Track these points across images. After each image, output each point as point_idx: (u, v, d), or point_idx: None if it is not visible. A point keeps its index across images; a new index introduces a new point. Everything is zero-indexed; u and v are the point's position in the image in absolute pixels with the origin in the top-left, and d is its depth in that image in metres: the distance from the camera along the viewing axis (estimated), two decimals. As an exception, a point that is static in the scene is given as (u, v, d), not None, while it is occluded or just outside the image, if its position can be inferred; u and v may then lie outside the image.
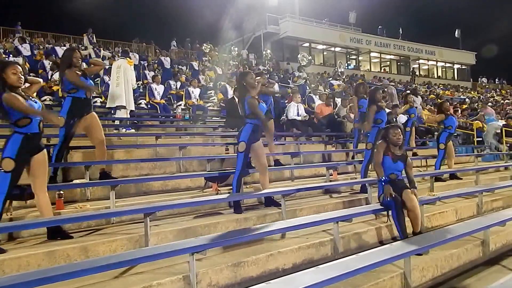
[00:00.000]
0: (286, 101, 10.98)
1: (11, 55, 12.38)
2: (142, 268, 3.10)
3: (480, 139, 12.20)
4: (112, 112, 8.80)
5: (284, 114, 9.72)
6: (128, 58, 9.61)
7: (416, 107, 12.17)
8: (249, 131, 4.79)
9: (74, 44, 18.25)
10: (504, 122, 13.44)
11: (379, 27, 33.59)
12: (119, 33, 24.32)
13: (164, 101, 10.62)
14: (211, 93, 13.33)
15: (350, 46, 32.30)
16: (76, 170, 5.28)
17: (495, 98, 25.61)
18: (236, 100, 6.30)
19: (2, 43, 15.74)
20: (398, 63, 35.52)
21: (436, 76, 36.22)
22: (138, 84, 11.36)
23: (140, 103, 10.61)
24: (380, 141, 4.66)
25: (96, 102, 10.19)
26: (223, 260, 3.35)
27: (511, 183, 7.31)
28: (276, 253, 3.60)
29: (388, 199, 4.32)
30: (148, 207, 3.88)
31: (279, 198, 4.84)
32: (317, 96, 11.71)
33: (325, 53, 31.95)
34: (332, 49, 31.99)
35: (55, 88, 9.86)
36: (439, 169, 7.55)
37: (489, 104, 19.46)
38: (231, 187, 5.02)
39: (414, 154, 9.13)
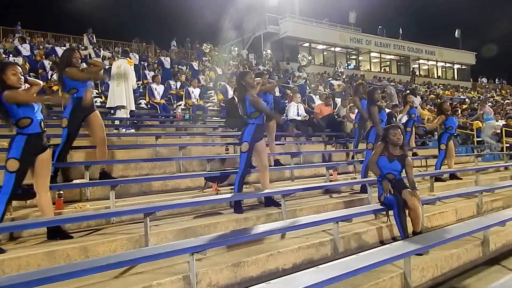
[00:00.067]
0: (286, 101, 10.99)
1: (11, 55, 12.38)
2: (142, 268, 3.10)
3: (480, 139, 12.20)
4: (112, 112, 8.80)
5: (284, 114, 9.72)
6: (128, 58, 9.61)
7: (416, 107, 12.20)
8: (252, 131, 4.79)
9: (74, 44, 18.25)
10: (504, 122, 13.45)
11: (379, 27, 33.59)
12: (119, 33, 24.32)
13: (164, 101, 10.62)
14: (211, 93, 13.33)
15: (350, 46, 32.29)
16: (76, 170, 5.28)
17: (495, 98, 25.60)
18: (236, 100, 6.30)
19: (2, 43, 15.73)
20: (398, 63, 35.52)
21: (436, 76, 36.22)
22: (138, 84, 11.37)
23: (140, 103, 10.60)
24: (379, 143, 4.65)
25: (96, 102, 10.19)
26: (223, 260, 3.35)
27: (511, 183, 7.31)
28: (276, 253, 3.60)
29: (388, 195, 4.33)
30: (148, 207, 3.88)
31: (279, 198, 4.84)
32: (317, 96, 11.71)
33: (325, 53, 31.94)
34: (332, 49, 31.98)
35: (55, 88, 9.86)
36: (440, 169, 7.56)
37: (489, 104, 19.47)
38: (231, 187, 5.01)
39: (414, 154, 9.13)
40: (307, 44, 30.22)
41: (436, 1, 38.40)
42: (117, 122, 8.75)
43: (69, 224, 3.90)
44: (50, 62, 11.12)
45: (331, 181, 6.54)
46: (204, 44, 20.96)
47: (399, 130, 4.45)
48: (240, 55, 21.42)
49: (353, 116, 9.75)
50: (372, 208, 4.69)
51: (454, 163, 8.19)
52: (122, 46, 19.68)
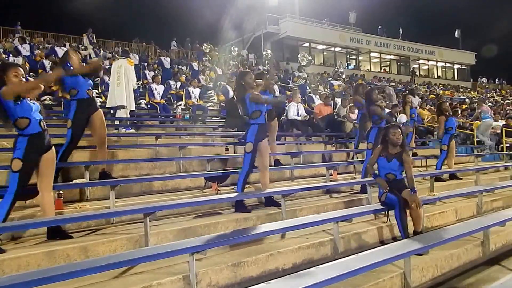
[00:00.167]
0: (286, 101, 10.98)
1: (10, 55, 12.38)
2: (142, 268, 3.10)
3: (480, 139, 12.20)
4: (112, 112, 8.79)
5: (284, 114, 9.72)
6: (128, 58, 9.61)
7: (416, 107, 12.20)
8: (255, 131, 4.81)
9: (74, 44, 18.25)
10: (504, 122, 13.45)
11: (379, 27, 33.59)
12: (119, 33, 24.28)
13: (164, 101, 10.62)
14: (211, 93, 13.33)
15: (350, 46, 32.29)
16: (76, 170, 5.28)
17: (495, 98, 25.61)
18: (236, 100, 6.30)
19: (2, 43, 15.74)
20: (398, 63, 35.52)
21: (436, 76, 36.22)
22: (138, 84, 11.36)
23: (140, 103, 10.60)
24: (378, 146, 4.65)
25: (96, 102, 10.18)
26: (223, 260, 3.35)
27: (511, 183, 7.31)
28: (276, 253, 3.60)
29: (386, 190, 4.36)
30: (148, 207, 3.88)
31: (279, 198, 4.84)
32: (317, 96, 11.71)
33: (325, 53, 31.94)
34: (332, 49, 31.98)
35: (55, 88, 9.85)
36: (440, 169, 7.56)
37: (489, 104, 19.46)
38: (231, 187, 5.01)
39: (414, 154, 9.13)
40: (307, 44, 30.22)
41: (436, 1, 38.43)
42: (117, 122, 8.74)
43: (69, 224, 3.90)
44: (50, 62, 11.11)
45: (331, 181, 6.54)
46: (204, 44, 20.96)
47: (399, 130, 4.44)
48: (240, 55, 21.42)
49: (353, 116, 9.76)
50: (372, 208, 4.69)
51: (454, 163, 8.20)
52: (122, 46, 19.67)
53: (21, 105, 3.48)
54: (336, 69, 18.47)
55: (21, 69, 3.58)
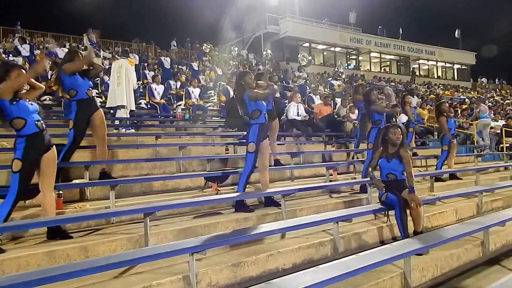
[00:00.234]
0: (286, 101, 10.98)
1: (10, 55, 12.39)
2: (142, 268, 3.09)
3: (480, 138, 12.20)
4: (112, 112, 8.79)
5: (284, 114, 9.72)
6: (129, 58, 9.61)
7: (416, 107, 12.19)
8: (256, 131, 4.81)
9: (74, 44, 18.23)
10: (504, 122, 13.45)
11: (379, 27, 33.59)
12: (119, 33, 24.32)
13: (164, 101, 10.62)
14: (211, 93, 13.33)
15: (350, 46, 32.29)
16: (76, 170, 5.28)
17: (495, 98, 25.61)
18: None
19: (2, 43, 15.74)
20: (398, 63, 35.52)
21: (436, 76, 36.21)
22: (138, 84, 11.36)
23: (140, 103, 10.60)
24: (379, 148, 4.64)
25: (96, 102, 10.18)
26: (223, 260, 3.34)
27: (511, 183, 7.31)
28: (276, 253, 3.60)
29: (383, 191, 4.37)
30: (148, 207, 3.88)
31: (279, 198, 4.84)
32: (317, 96, 11.71)
33: (325, 53, 31.94)
34: (332, 49, 31.98)
35: (55, 88, 9.85)
36: (441, 169, 7.56)
37: (489, 104, 19.46)
38: (231, 187, 5.00)
39: (414, 154, 9.12)
40: (307, 44, 30.22)
41: (436, 1, 38.45)
42: (117, 122, 8.74)
43: (69, 224, 3.90)
44: (50, 62, 11.11)
45: (331, 181, 6.54)
46: (204, 44, 20.96)
47: (399, 130, 4.44)
48: (240, 55, 21.42)
49: (353, 116, 9.76)
50: (372, 208, 4.69)
51: (454, 163, 8.20)
52: (122, 46, 19.68)
53: (17, 105, 3.47)
54: (336, 69, 18.47)
55: (23, 71, 3.58)
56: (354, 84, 15.81)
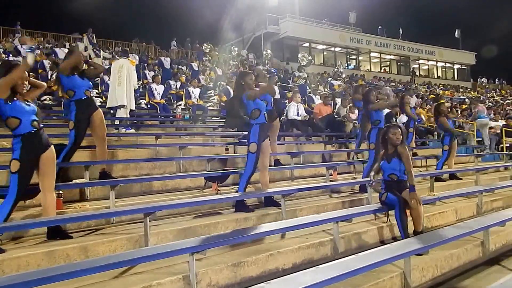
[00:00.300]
0: (286, 101, 10.98)
1: (10, 55, 12.38)
2: (142, 268, 3.09)
3: (480, 139, 12.20)
4: (112, 112, 8.79)
5: (284, 114, 9.72)
6: (130, 58, 9.61)
7: (415, 107, 12.20)
8: (257, 131, 4.81)
9: (74, 44, 18.22)
10: (504, 122, 13.46)
11: (379, 27, 33.61)
12: (119, 33, 24.32)
13: (164, 101, 10.62)
14: (211, 93, 13.33)
15: (350, 46, 32.30)
16: (76, 170, 5.28)
17: (495, 98, 25.62)
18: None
19: (2, 43, 15.74)
20: (398, 63, 35.53)
21: (436, 76, 36.23)
22: (138, 84, 11.36)
23: (140, 103, 10.60)
24: (380, 152, 4.63)
25: (96, 102, 10.18)
26: (223, 260, 3.34)
27: (511, 183, 7.31)
28: (276, 253, 3.60)
29: (380, 191, 4.40)
30: (148, 207, 3.88)
31: (279, 198, 4.84)
32: (317, 96, 11.71)
33: (325, 53, 31.95)
34: (332, 49, 31.99)
35: (55, 88, 9.85)
36: (441, 169, 7.55)
37: (489, 104, 19.46)
38: (231, 187, 4.99)
39: (414, 154, 9.12)
40: (307, 44, 30.23)
41: (436, 1, 38.43)
42: (117, 122, 8.74)
43: (69, 224, 3.90)
44: (50, 62, 11.11)
45: (331, 181, 6.54)
46: (204, 44, 20.97)
47: (399, 130, 4.43)
48: (240, 55, 21.42)
49: (353, 116, 9.77)
50: (372, 208, 4.69)
51: (454, 163, 8.19)
52: (122, 46, 19.68)
53: (12, 105, 3.45)
54: (336, 69, 18.48)
55: (25, 73, 3.56)
56: (354, 84, 15.82)
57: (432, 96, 22.07)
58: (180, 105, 10.84)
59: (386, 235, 4.59)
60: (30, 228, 3.67)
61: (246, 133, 5.38)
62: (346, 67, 29.15)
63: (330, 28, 31.15)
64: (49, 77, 10.32)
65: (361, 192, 6.04)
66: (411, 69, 33.48)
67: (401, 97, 9.34)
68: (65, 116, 8.01)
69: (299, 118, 9.53)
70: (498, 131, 12.63)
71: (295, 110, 9.57)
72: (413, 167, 4.90)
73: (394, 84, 25.19)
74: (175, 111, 10.59)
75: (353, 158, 8.49)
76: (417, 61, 36.21)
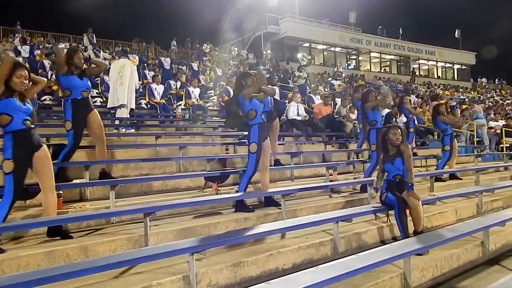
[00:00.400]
0: (286, 101, 10.98)
1: (10, 55, 12.35)
2: (142, 268, 3.09)
3: (480, 139, 12.21)
4: (111, 111, 8.79)
5: (284, 114, 9.72)
6: (130, 59, 9.61)
7: (416, 107, 12.20)
8: (257, 131, 4.81)
9: (74, 44, 18.25)
10: (504, 122, 13.46)
11: (379, 27, 33.62)
12: (119, 33, 24.36)
13: (164, 101, 10.62)
14: (211, 93, 13.33)
15: (350, 46, 32.30)
16: (75, 170, 5.28)
17: (495, 98, 25.62)
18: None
19: (2, 43, 15.74)
20: (398, 63, 35.53)
21: (436, 76, 36.24)
22: (138, 83, 11.36)
23: (140, 103, 10.61)
24: (381, 157, 4.63)
25: (96, 102, 10.19)
26: (223, 260, 3.34)
27: (511, 183, 7.31)
28: (276, 253, 3.60)
29: (382, 193, 4.41)
30: (148, 207, 3.88)
31: (279, 198, 4.84)
32: (317, 96, 11.71)
33: (325, 53, 31.95)
34: (332, 49, 31.99)
35: (55, 88, 9.87)
36: (442, 169, 7.55)
37: (489, 104, 19.46)
38: (231, 187, 4.98)
39: (414, 154, 9.11)
40: (307, 44, 30.24)
41: (436, 1, 38.47)
42: (117, 122, 8.74)
43: (69, 224, 3.90)
44: (50, 62, 11.11)
45: (331, 181, 6.54)
46: (204, 44, 20.98)
47: (399, 130, 4.44)
48: (240, 55, 21.42)
49: (353, 116, 9.76)
50: (372, 208, 4.69)
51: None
52: (122, 46, 19.68)
53: (6, 101, 3.40)
54: (336, 69, 18.49)
55: (25, 71, 3.53)
56: (355, 84, 15.82)
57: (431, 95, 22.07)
58: (180, 105, 10.84)
59: (386, 235, 4.59)
60: (30, 228, 3.67)
61: (246, 133, 5.38)
62: (346, 67, 29.17)
63: (330, 28, 31.15)
64: (49, 77, 10.32)
65: (361, 192, 6.04)
66: (411, 69, 33.49)
67: (401, 97, 9.33)
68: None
69: (299, 118, 9.53)
70: (498, 131, 12.63)
71: (295, 110, 9.57)
72: (413, 167, 4.90)
73: (394, 84, 25.19)
74: (175, 111, 10.59)
75: (353, 158, 8.48)
76: (417, 61, 36.21)
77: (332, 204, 5.41)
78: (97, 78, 11.03)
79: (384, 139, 4.49)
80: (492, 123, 13.57)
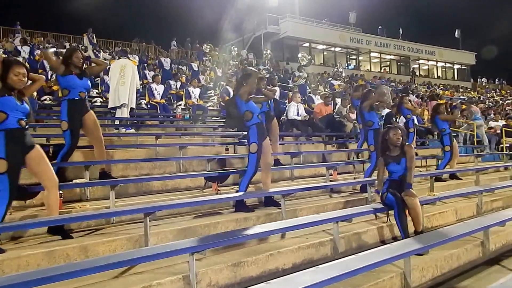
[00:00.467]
0: (286, 101, 10.99)
1: (10, 55, 12.37)
2: (142, 268, 3.09)
3: (480, 139, 12.20)
4: (111, 111, 8.79)
5: (284, 114, 9.72)
6: (131, 59, 9.61)
7: (415, 107, 12.16)
8: (255, 131, 4.81)
9: (74, 44, 18.25)
10: (504, 122, 13.45)
11: (379, 27, 33.63)
12: (119, 33, 24.36)
13: (164, 101, 10.62)
14: (211, 93, 13.33)
15: (350, 46, 32.31)
16: (75, 170, 5.28)
17: (495, 98, 25.63)
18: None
19: (2, 43, 15.75)
20: (398, 63, 35.54)
21: (436, 76, 36.24)
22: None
23: (140, 103, 10.61)
24: (380, 161, 4.63)
25: (96, 102, 10.20)
26: (223, 260, 3.34)
27: (511, 183, 7.30)
28: (276, 253, 3.60)
29: (383, 192, 4.42)
30: (148, 207, 3.88)
31: (279, 198, 4.84)
32: (317, 96, 11.71)
33: (325, 53, 31.96)
34: (332, 49, 32.00)
35: (55, 88, 9.87)
36: (442, 169, 7.54)
37: (489, 104, 19.46)
38: (231, 187, 4.97)
39: (415, 154, 9.10)
40: (307, 44, 30.24)
41: (436, 1, 38.48)
42: (117, 122, 8.75)
43: (69, 224, 3.90)
44: (50, 62, 11.09)
45: (331, 181, 6.54)
46: (204, 44, 20.98)
47: (399, 131, 4.45)
48: (240, 55, 21.43)
49: (353, 116, 9.76)
50: (372, 208, 4.68)
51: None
52: (122, 46, 19.71)
53: (3, 100, 3.37)
54: (336, 69, 18.50)
55: (23, 69, 3.50)
56: (355, 84, 15.82)
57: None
58: (180, 105, 10.84)
59: (386, 235, 4.59)
60: (30, 228, 3.66)
61: (246, 133, 5.38)
62: (346, 67, 29.17)
63: (330, 28, 31.15)
64: (49, 77, 10.32)
65: (361, 192, 6.04)
66: (411, 69, 33.49)
67: (400, 97, 9.32)
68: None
69: (299, 118, 9.53)
70: (498, 131, 12.62)
71: (295, 110, 9.57)
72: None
73: (394, 84, 25.19)
74: (175, 111, 10.59)
75: (353, 158, 8.48)
76: (417, 61, 36.22)
77: (332, 204, 5.41)
78: (97, 78, 11.04)
79: (385, 139, 4.50)
80: (492, 123, 13.57)
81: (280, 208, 4.76)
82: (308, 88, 13.79)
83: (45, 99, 9.72)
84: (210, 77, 15.48)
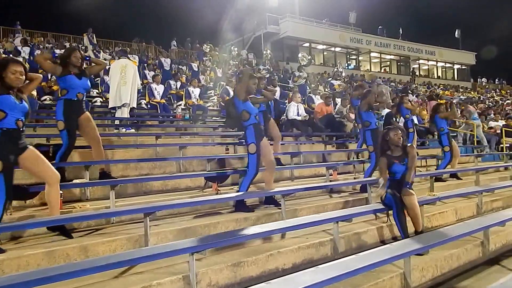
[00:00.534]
0: (286, 101, 10.98)
1: (10, 55, 12.37)
2: (141, 268, 3.09)
3: (478, 139, 12.19)
4: (112, 111, 8.79)
5: (284, 114, 9.72)
6: (131, 59, 9.61)
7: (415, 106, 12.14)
8: (252, 132, 4.81)
9: (74, 44, 18.25)
10: (504, 122, 13.45)
11: (379, 27, 33.64)
12: (119, 33, 24.37)
13: (164, 101, 10.62)
14: (211, 93, 13.33)
15: (350, 46, 32.32)
16: (75, 170, 5.27)
17: (495, 98, 25.63)
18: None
19: (2, 43, 15.74)
20: (398, 63, 35.55)
21: (436, 76, 36.25)
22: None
23: (140, 103, 10.61)
24: (381, 159, 4.62)
25: (96, 102, 10.20)
26: (223, 260, 3.35)
27: (511, 183, 7.30)
28: (276, 253, 3.60)
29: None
30: (148, 207, 3.88)
31: (279, 198, 4.84)
32: (317, 96, 11.71)
33: (325, 53, 31.97)
34: (332, 49, 32.01)
35: (55, 88, 9.86)
36: (443, 169, 7.54)
37: (489, 104, 19.46)
38: (231, 187, 4.96)
39: (415, 154, 9.10)
40: (307, 44, 30.25)
41: (436, 1, 38.48)
42: (117, 122, 8.75)
43: (69, 223, 3.90)
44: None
45: (331, 181, 6.54)
46: (204, 44, 20.98)
47: (400, 131, 4.46)
48: (240, 55, 21.42)
49: (353, 116, 9.76)
50: (372, 208, 4.69)
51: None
52: (122, 46, 19.70)
53: (0, 98, 3.35)
54: (336, 69, 18.49)
55: (20, 67, 3.47)
56: (355, 84, 15.83)
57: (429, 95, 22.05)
58: (180, 105, 10.84)
59: (386, 235, 4.59)
60: (30, 228, 3.66)
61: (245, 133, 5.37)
62: (346, 67, 29.18)
63: (330, 28, 31.16)
64: (49, 77, 10.32)
65: (361, 192, 6.04)
66: (411, 69, 33.50)
67: (400, 98, 9.32)
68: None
69: (299, 118, 9.53)
70: (498, 131, 12.62)
71: (295, 110, 9.57)
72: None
73: (394, 84, 25.18)
74: (175, 111, 10.59)
75: (353, 158, 8.48)
76: (417, 61, 36.23)
77: (332, 204, 5.41)
78: (97, 78, 11.03)
79: (385, 139, 4.50)
80: (492, 123, 13.56)
81: (280, 208, 4.76)
82: (308, 88, 13.78)
83: (45, 99, 9.71)
84: (210, 77, 15.48)
